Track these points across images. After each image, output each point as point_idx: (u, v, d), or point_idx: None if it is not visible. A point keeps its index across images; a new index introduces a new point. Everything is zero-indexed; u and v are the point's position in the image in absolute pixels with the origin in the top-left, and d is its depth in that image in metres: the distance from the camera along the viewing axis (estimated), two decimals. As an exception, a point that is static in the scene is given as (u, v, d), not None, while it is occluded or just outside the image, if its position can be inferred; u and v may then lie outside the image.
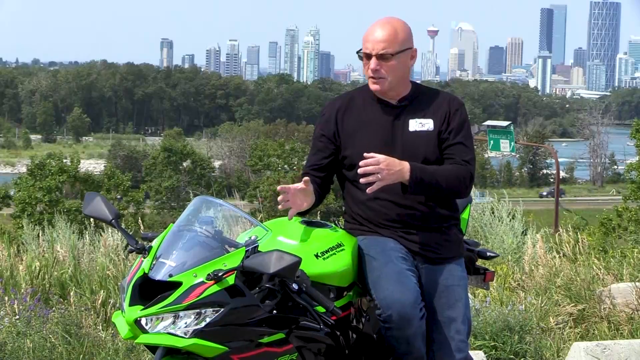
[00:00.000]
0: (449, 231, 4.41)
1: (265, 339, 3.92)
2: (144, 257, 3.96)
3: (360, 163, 4.10)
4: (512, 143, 47.23)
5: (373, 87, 4.33)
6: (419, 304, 4.17)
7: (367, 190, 4.09)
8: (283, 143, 74.84)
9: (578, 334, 7.09)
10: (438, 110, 4.33)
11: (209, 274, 3.80)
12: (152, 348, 3.95)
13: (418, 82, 4.61)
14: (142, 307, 3.81)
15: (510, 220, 9.85)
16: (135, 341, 3.85)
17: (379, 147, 4.28)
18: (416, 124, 4.32)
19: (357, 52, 4.35)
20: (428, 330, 4.29)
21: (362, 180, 4.11)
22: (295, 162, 71.06)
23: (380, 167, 4.08)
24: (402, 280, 4.19)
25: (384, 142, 4.32)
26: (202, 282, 3.80)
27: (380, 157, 4.09)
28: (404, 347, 4.20)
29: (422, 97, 4.38)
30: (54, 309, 6.54)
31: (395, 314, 4.13)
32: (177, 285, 3.82)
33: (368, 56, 4.30)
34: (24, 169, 62.39)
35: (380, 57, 4.26)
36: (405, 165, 4.14)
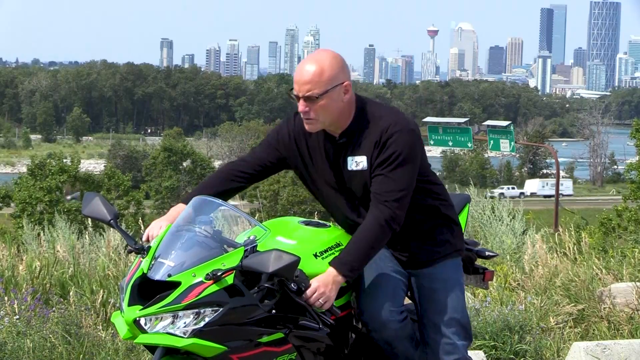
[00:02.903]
0: (430, 234, 4.35)
1: (264, 339, 3.92)
2: (143, 257, 3.96)
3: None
4: (512, 143, 47.31)
5: (306, 127, 4.17)
6: (396, 308, 4.19)
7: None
8: (283, 143, 74.72)
9: (578, 334, 7.08)
10: (371, 144, 4.13)
11: (207, 274, 3.80)
12: (152, 348, 3.95)
13: (378, 100, 4.28)
14: (141, 307, 3.81)
15: (510, 220, 9.85)
16: (135, 341, 3.85)
17: (326, 185, 4.27)
18: (352, 163, 4.18)
19: (288, 92, 4.21)
20: (422, 333, 4.36)
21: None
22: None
23: (319, 294, 3.97)
24: (380, 283, 4.23)
25: (330, 181, 4.26)
26: (201, 282, 3.80)
27: (310, 291, 3.97)
28: (388, 349, 4.27)
29: (361, 129, 4.16)
30: (54, 308, 6.54)
31: (370, 317, 4.19)
32: (176, 285, 3.82)
33: (297, 97, 4.12)
34: (24, 169, 62.29)
35: (307, 98, 4.08)
36: (331, 272, 4.02)
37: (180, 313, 3.78)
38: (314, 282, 4.00)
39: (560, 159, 53.43)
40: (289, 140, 4.31)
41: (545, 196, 76.68)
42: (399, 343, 4.24)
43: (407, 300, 4.48)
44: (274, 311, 3.93)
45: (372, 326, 4.21)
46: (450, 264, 4.39)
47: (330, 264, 4.06)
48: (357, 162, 4.18)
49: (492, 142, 47.15)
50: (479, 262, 4.97)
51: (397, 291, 4.25)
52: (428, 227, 4.35)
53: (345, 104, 4.16)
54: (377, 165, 4.13)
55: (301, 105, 4.11)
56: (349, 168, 4.20)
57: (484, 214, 10.01)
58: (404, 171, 4.12)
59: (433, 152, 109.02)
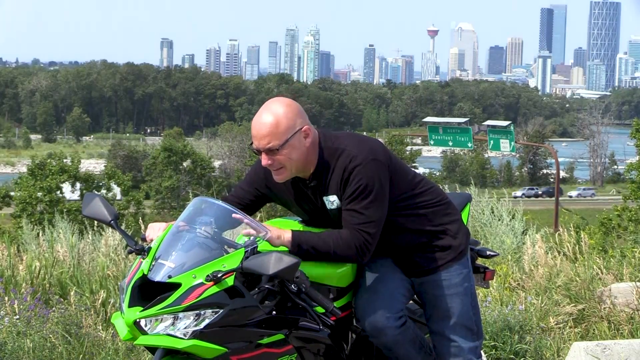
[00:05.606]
0: (430, 243, 4.34)
1: (265, 340, 3.91)
2: (143, 258, 3.96)
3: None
4: (512, 143, 47.38)
5: (277, 179, 4.17)
6: (392, 314, 4.19)
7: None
8: (283, 143, 74.62)
9: (578, 334, 7.08)
10: (336, 181, 4.16)
11: (208, 275, 3.79)
12: (152, 348, 3.95)
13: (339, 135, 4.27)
14: (142, 308, 3.81)
15: (510, 220, 9.86)
16: (135, 342, 3.85)
17: (314, 218, 4.29)
18: (329, 203, 4.21)
19: (249, 147, 4.22)
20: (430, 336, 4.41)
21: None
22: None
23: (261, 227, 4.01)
24: (378, 289, 4.23)
25: (317, 216, 4.28)
26: (202, 284, 3.80)
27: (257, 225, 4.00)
28: (388, 353, 4.29)
29: (327, 168, 4.17)
30: (54, 308, 6.55)
31: (367, 323, 4.20)
32: (176, 286, 3.82)
33: (259, 151, 4.13)
34: (24, 169, 62.32)
35: (268, 151, 4.08)
36: (288, 237, 4.07)
37: (181, 314, 3.77)
38: (272, 228, 4.06)
39: (560, 159, 53.45)
40: (265, 181, 4.33)
41: None
42: (398, 347, 4.24)
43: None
44: (274, 312, 3.93)
45: (369, 332, 4.22)
46: (455, 268, 4.37)
47: (293, 233, 4.08)
48: (332, 202, 4.20)
49: (492, 142, 47.21)
50: (479, 261, 4.97)
51: (395, 296, 4.25)
52: (427, 237, 4.34)
53: (309, 147, 4.14)
54: (344, 200, 4.13)
55: (264, 159, 4.10)
56: (328, 207, 4.22)
57: (484, 214, 10.02)
58: (371, 203, 4.11)
59: (433, 152, 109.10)
